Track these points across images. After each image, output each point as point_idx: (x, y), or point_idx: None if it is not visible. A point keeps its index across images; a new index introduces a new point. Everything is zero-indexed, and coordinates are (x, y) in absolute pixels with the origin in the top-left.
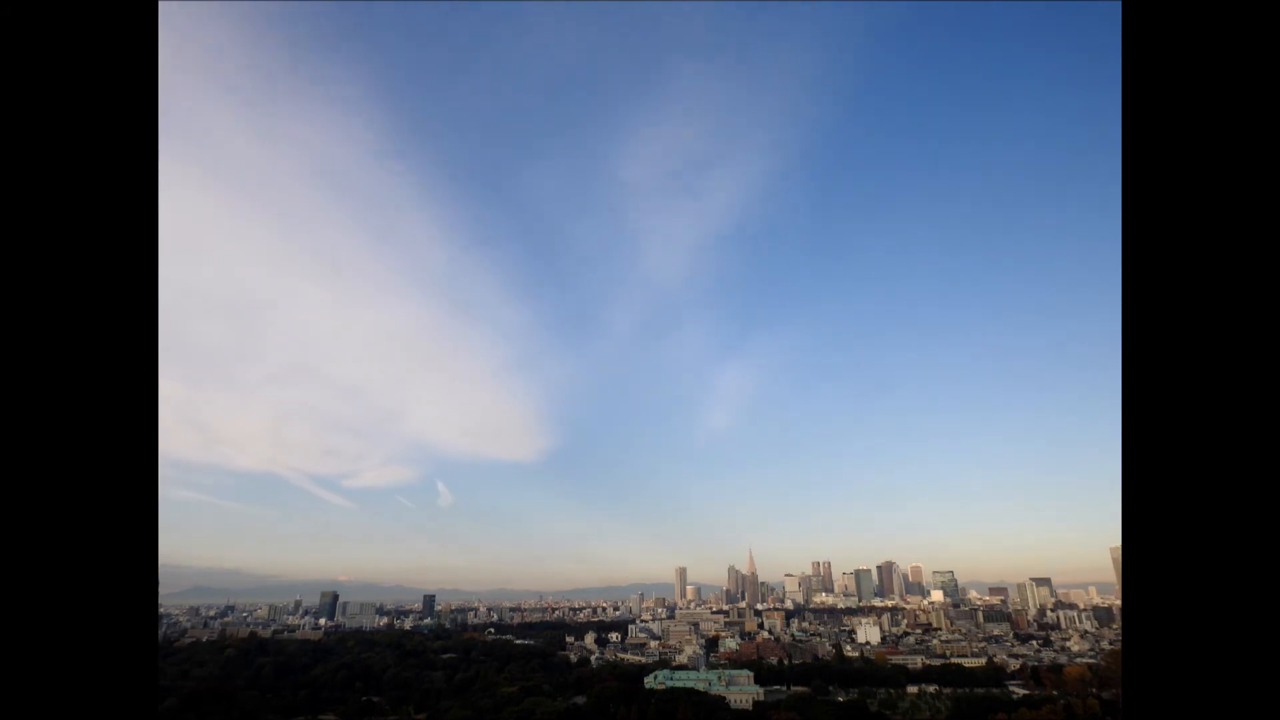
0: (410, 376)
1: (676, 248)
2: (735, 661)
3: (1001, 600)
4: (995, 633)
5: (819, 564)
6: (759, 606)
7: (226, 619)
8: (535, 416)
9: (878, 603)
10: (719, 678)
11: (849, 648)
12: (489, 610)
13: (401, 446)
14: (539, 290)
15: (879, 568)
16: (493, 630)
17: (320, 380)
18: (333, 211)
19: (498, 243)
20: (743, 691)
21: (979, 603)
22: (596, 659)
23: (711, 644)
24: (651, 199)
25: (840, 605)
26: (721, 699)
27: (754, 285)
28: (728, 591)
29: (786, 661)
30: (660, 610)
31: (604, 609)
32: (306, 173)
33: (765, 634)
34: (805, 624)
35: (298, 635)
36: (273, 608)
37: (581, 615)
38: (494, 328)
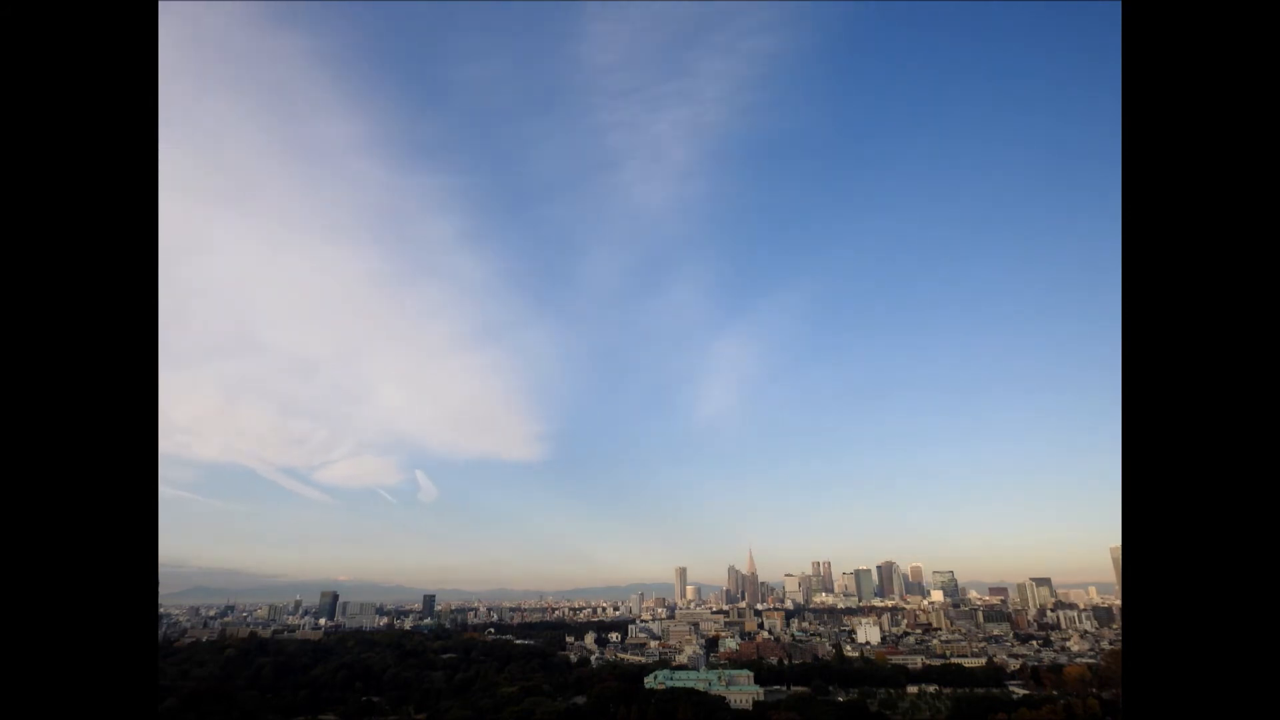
0: (366, 347)
1: (664, 170)
2: (735, 661)
3: (1001, 600)
4: (995, 633)
5: (819, 564)
6: (759, 606)
7: (226, 619)
8: (514, 400)
9: (878, 603)
10: (719, 678)
11: (849, 648)
12: (489, 610)
13: (371, 434)
14: (500, 229)
15: (879, 568)
16: (493, 630)
17: (265, 352)
18: (233, 111)
19: (442, 160)
20: (743, 691)
21: (979, 603)
22: (596, 659)
23: (711, 644)
24: (631, 90)
25: (840, 605)
26: (721, 699)
27: (752, 232)
28: (728, 591)
29: (786, 661)
30: (660, 610)
31: (604, 609)
32: (183, 46)
33: (765, 634)
34: (805, 624)
35: (298, 635)
36: (273, 608)
37: (581, 615)
38: (453, 282)
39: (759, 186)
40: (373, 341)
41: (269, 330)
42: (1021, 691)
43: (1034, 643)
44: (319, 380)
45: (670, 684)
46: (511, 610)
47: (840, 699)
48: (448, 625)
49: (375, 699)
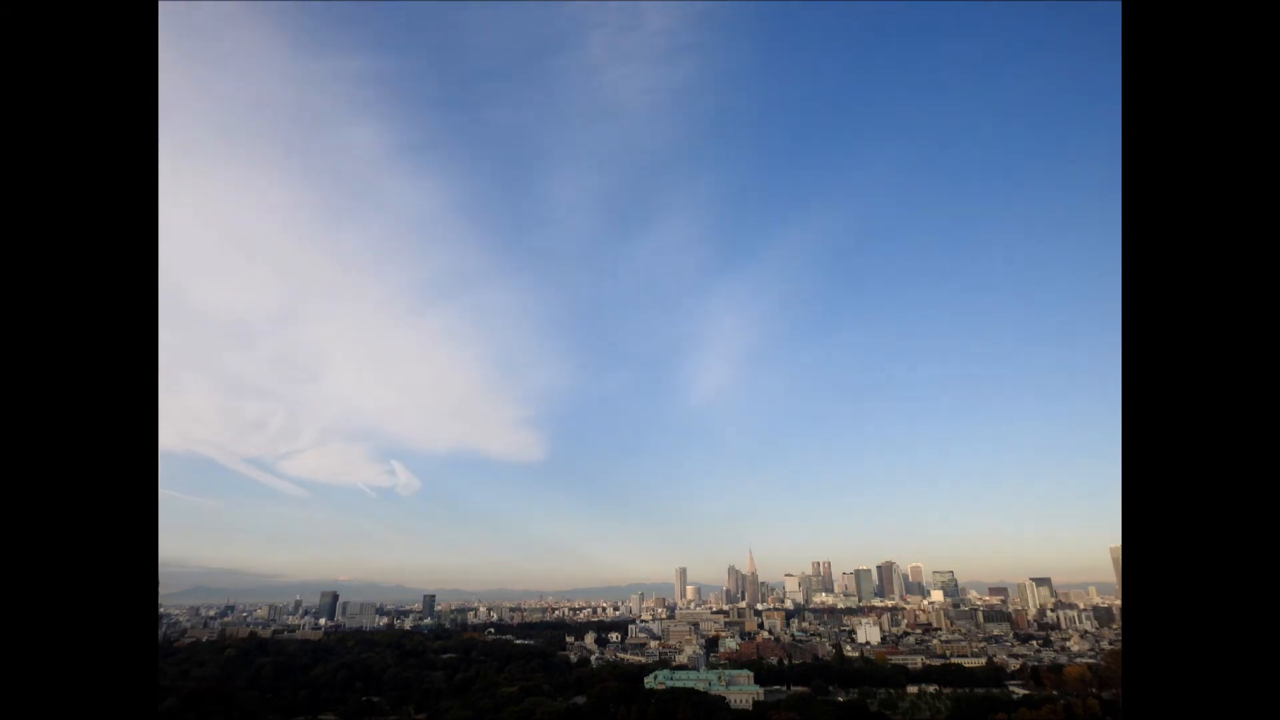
0: (302, 308)
1: (639, 46)
2: (735, 661)
3: (1001, 600)
4: (995, 633)
5: (819, 564)
6: (759, 606)
7: (226, 619)
8: (486, 379)
9: (878, 603)
10: (719, 678)
11: (849, 648)
12: (489, 610)
13: (332, 418)
14: (439, 138)
15: (879, 568)
16: (493, 630)
17: (191, 315)
18: None
19: (351, 27)
20: (743, 691)
21: (979, 603)
22: (596, 659)
23: (711, 644)
24: None
25: (840, 605)
26: (721, 699)
27: (750, 145)
28: (728, 591)
29: (786, 661)
30: (660, 610)
31: (604, 609)
32: None
33: (765, 634)
34: (805, 624)
35: (298, 635)
36: (273, 608)
37: (581, 615)
38: (391, 219)
39: (760, 68)
40: (308, 301)
41: (185, 286)
42: (1021, 691)
43: (1034, 643)
44: (260, 351)
45: (670, 684)
46: (511, 610)
47: (840, 699)
48: (448, 625)
49: (375, 699)
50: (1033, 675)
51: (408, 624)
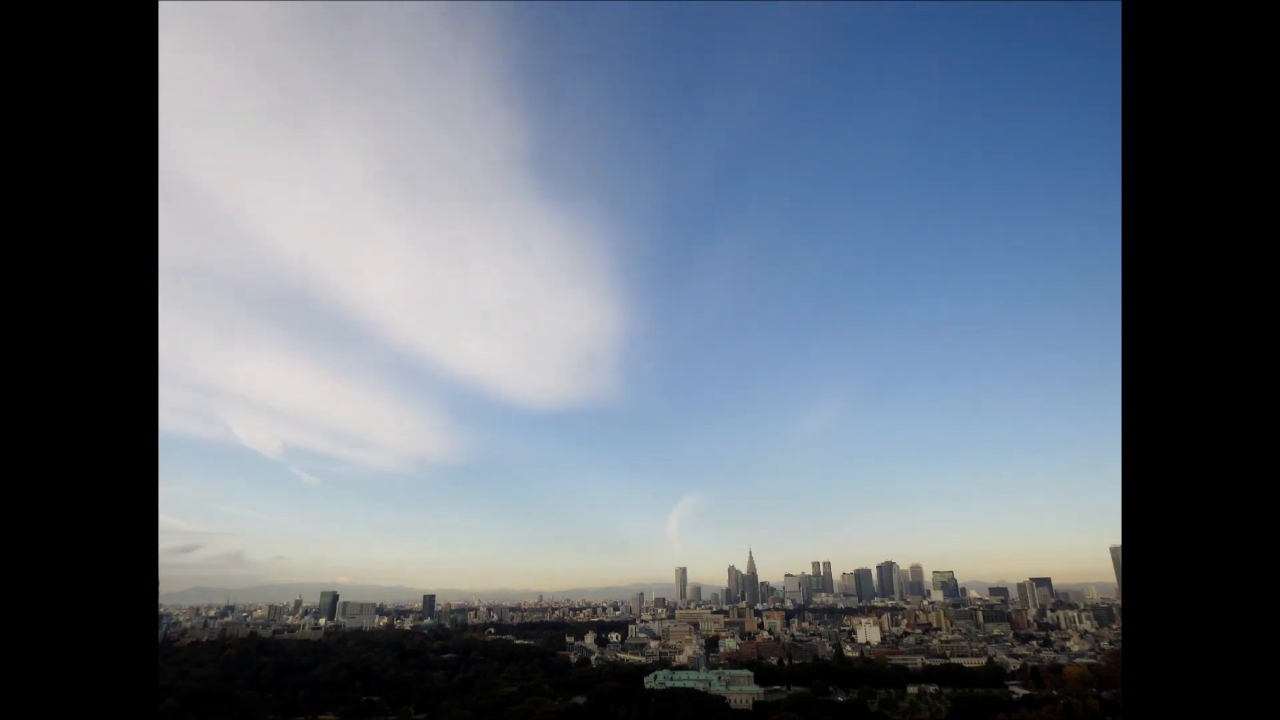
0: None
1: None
2: (735, 661)
3: (1001, 600)
4: (995, 633)
5: (819, 564)
6: (759, 606)
7: (226, 619)
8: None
9: (878, 603)
10: (719, 678)
11: (849, 648)
12: (489, 610)
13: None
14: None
15: (879, 568)
16: (493, 630)
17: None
18: None
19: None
20: (743, 691)
21: (979, 603)
22: (596, 659)
23: (711, 644)
24: None
25: (840, 605)
26: (721, 699)
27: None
28: (728, 591)
29: (786, 661)
30: (660, 610)
31: (604, 609)
32: None
33: (765, 634)
34: (805, 624)
35: (298, 635)
36: (273, 608)
37: (581, 615)
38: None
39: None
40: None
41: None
42: (1021, 691)
43: (1034, 643)
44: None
45: (670, 684)
46: (511, 610)
47: (840, 699)
48: (448, 625)
49: (375, 699)
50: (1033, 675)
51: (408, 624)
